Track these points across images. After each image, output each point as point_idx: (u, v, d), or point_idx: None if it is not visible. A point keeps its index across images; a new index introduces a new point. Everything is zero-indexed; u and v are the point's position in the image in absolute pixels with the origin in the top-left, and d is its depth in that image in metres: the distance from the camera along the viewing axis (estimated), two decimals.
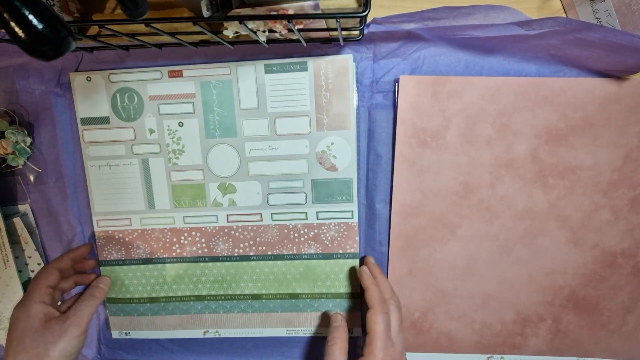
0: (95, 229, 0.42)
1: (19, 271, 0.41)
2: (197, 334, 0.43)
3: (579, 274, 0.39)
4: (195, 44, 0.35)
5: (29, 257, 0.42)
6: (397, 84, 0.37)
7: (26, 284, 0.42)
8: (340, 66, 0.37)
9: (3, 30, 0.23)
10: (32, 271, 0.42)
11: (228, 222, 0.41)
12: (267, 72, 0.38)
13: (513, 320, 0.41)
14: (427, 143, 0.38)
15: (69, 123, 0.40)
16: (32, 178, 0.41)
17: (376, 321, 0.35)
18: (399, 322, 0.36)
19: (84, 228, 0.42)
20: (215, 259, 0.42)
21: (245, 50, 0.37)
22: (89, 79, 0.39)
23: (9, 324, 0.36)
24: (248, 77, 0.38)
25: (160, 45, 0.36)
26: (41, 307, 0.36)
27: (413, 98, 0.37)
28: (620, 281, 0.39)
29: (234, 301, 0.42)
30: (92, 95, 0.39)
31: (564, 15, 0.36)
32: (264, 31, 0.30)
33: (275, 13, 0.27)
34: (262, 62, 0.37)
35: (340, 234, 0.40)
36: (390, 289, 0.38)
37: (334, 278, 0.41)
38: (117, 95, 0.39)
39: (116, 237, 0.42)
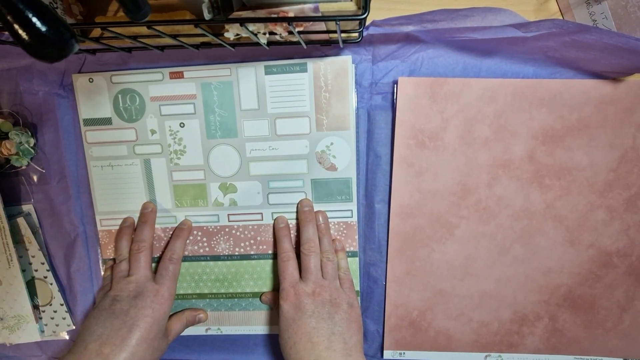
0: (99, 228, 0.42)
1: (23, 270, 0.41)
2: (199, 331, 0.44)
3: (575, 273, 0.40)
4: (196, 46, 0.35)
5: (33, 257, 0.42)
6: (395, 85, 0.38)
7: (30, 283, 0.43)
8: (340, 67, 0.37)
9: (7, 33, 0.23)
10: (36, 270, 0.43)
11: (229, 221, 0.41)
12: (267, 73, 0.38)
13: (510, 319, 0.41)
14: (425, 144, 0.38)
15: (71, 124, 0.41)
16: (35, 178, 0.41)
17: (283, 268, 0.38)
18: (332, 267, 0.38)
19: (86, 228, 0.43)
20: (216, 257, 0.42)
21: (246, 51, 0.38)
22: (91, 80, 0.39)
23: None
24: (248, 78, 0.38)
25: (162, 47, 0.36)
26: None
27: (411, 99, 0.37)
28: (616, 280, 0.39)
29: (235, 299, 0.43)
30: (94, 96, 0.40)
31: (561, 17, 0.36)
32: (264, 33, 0.30)
33: (275, 15, 0.27)
34: (263, 63, 0.38)
35: (340, 233, 0.41)
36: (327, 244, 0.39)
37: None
38: (119, 96, 0.39)
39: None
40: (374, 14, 0.35)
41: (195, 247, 0.42)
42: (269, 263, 0.42)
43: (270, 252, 0.42)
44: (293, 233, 0.41)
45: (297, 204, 0.40)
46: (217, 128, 0.39)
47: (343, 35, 0.33)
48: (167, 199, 0.41)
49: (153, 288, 0.37)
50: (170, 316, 0.40)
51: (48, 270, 0.43)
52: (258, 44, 0.32)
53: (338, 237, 0.41)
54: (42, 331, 0.44)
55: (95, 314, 0.36)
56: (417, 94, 0.37)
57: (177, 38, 0.32)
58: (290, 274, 0.38)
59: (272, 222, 0.41)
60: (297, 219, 0.41)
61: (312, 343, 0.34)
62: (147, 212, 0.41)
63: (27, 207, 0.42)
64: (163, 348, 0.38)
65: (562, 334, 0.41)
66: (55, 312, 0.43)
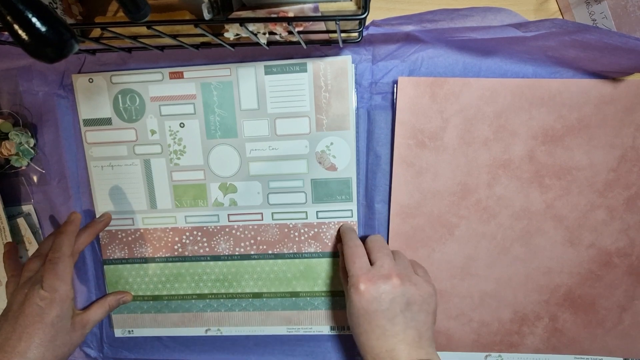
0: None
1: None
2: (198, 332, 0.44)
3: (575, 273, 0.40)
4: (196, 46, 0.35)
5: None
6: (395, 85, 0.38)
7: None
8: (340, 67, 0.37)
9: (6, 33, 0.23)
10: None
11: (229, 221, 0.41)
12: (267, 73, 0.38)
13: (510, 318, 0.41)
14: (425, 144, 0.38)
15: (71, 124, 0.41)
16: (35, 179, 0.42)
17: (351, 253, 0.36)
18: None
19: None
20: (216, 258, 0.42)
21: (246, 51, 0.38)
22: (91, 80, 0.39)
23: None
24: (248, 78, 0.38)
25: (161, 48, 0.36)
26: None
27: (411, 99, 0.37)
28: (616, 280, 0.39)
29: (235, 299, 0.43)
30: (94, 96, 0.40)
31: (561, 17, 0.36)
32: (264, 33, 0.30)
33: (275, 15, 0.27)
34: (262, 63, 0.38)
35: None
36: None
37: (334, 276, 0.42)
38: (119, 96, 0.39)
39: (119, 236, 0.42)
40: (374, 14, 0.35)
41: (195, 247, 0.42)
42: (269, 263, 0.42)
43: (270, 252, 0.42)
44: (294, 233, 0.41)
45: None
46: (217, 128, 0.39)
47: (343, 35, 0.33)
48: (167, 199, 0.41)
49: (38, 294, 0.35)
50: (91, 304, 0.40)
51: None
52: (258, 44, 0.32)
53: (337, 237, 0.41)
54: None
55: (2, 314, 0.36)
56: (417, 93, 0.37)
57: (177, 38, 0.32)
58: (360, 258, 0.35)
59: (272, 222, 0.41)
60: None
61: (386, 335, 0.32)
62: (68, 222, 0.38)
63: (27, 208, 0.42)
64: (74, 341, 0.37)
65: (562, 333, 0.41)
66: None
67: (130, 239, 0.42)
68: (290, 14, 0.27)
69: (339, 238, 0.41)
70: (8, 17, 0.18)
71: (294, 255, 0.42)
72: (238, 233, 0.42)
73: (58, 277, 0.35)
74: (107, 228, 0.42)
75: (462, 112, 0.37)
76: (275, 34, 0.30)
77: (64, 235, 0.37)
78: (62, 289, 0.35)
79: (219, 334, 0.44)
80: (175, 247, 0.42)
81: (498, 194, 0.39)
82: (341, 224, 0.40)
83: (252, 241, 0.42)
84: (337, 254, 0.41)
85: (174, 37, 0.32)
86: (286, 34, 0.30)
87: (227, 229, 0.42)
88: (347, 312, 0.35)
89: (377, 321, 0.33)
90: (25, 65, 0.39)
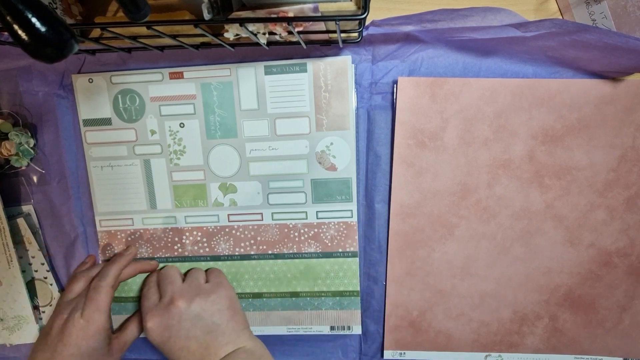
0: (98, 229, 0.42)
1: (23, 271, 0.41)
2: None
3: (575, 273, 0.40)
4: (196, 46, 0.35)
5: (33, 257, 0.42)
6: (395, 85, 0.38)
7: (30, 284, 0.43)
8: (339, 67, 0.37)
9: (6, 33, 0.23)
10: (36, 271, 0.43)
11: (229, 221, 0.41)
12: (267, 73, 0.38)
13: (510, 318, 0.41)
14: (425, 144, 0.38)
15: (71, 124, 0.41)
16: (35, 179, 0.41)
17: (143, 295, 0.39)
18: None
19: (86, 228, 0.43)
20: (216, 258, 0.42)
21: (246, 52, 0.38)
22: (91, 80, 0.39)
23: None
24: (248, 78, 0.38)
25: (161, 48, 0.36)
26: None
27: (411, 99, 0.37)
28: (616, 280, 0.39)
29: None
30: (94, 96, 0.40)
31: (560, 17, 0.36)
32: (264, 33, 0.30)
33: (275, 16, 0.28)
34: (262, 63, 0.38)
35: (340, 233, 0.41)
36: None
37: (334, 276, 0.42)
38: (119, 96, 0.39)
39: (118, 236, 0.42)
40: (374, 14, 0.35)
41: (195, 248, 0.42)
42: (269, 263, 0.42)
43: (270, 252, 0.42)
44: (294, 233, 0.41)
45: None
46: (217, 128, 0.39)
47: (343, 35, 0.33)
48: (167, 199, 0.41)
49: (79, 324, 0.36)
50: (126, 323, 0.41)
51: (48, 271, 0.43)
52: (258, 44, 0.32)
53: (338, 238, 0.41)
54: None
55: (38, 339, 0.38)
56: (416, 93, 0.37)
57: (177, 38, 0.32)
58: (148, 299, 0.38)
59: (272, 222, 0.41)
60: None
61: (192, 351, 0.35)
62: (121, 254, 0.41)
63: (27, 208, 0.42)
64: None
65: (562, 333, 0.41)
66: None
67: (130, 239, 0.42)
68: (290, 14, 0.27)
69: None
70: (8, 17, 0.18)
71: (294, 256, 0.42)
72: (238, 233, 0.42)
73: (98, 307, 0.36)
74: (106, 228, 0.42)
75: (462, 112, 0.37)
76: (275, 34, 0.30)
77: (114, 265, 0.39)
78: (101, 320, 0.36)
79: None
80: (175, 247, 0.42)
81: (498, 194, 0.39)
82: (342, 223, 0.41)
83: (252, 241, 0.42)
84: (337, 254, 0.41)
85: (174, 37, 0.32)
86: (286, 34, 0.30)
87: (227, 229, 0.42)
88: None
89: (177, 346, 0.35)
90: (25, 65, 0.39)
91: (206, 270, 0.41)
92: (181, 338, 0.35)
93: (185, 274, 0.41)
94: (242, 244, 0.42)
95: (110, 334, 0.38)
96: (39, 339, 0.38)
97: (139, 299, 0.42)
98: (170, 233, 0.42)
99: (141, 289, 0.41)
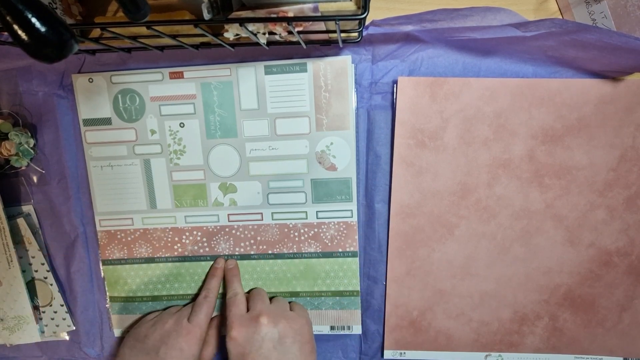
0: (98, 228, 0.42)
1: (23, 271, 0.41)
2: None
3: (575, 273, 0.40)
4: (196, 46, 0.35)
5: (33, 257, 0.42)
6: (395, 85, 0.38)
7: (30, 284, 0.43)
8: (339, 67, 0.37)
9: (6, 33, 0.23)
10: (36, 271, 0.43)
11: (229, 221, 0.41)
12: (267, 73, 0.38)
13: (510, 318, 0.41)
14: (425, 144, 0.38)
15: (71, 124, 0.41)
16: (35, 179, 0.41)
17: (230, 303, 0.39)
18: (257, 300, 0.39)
19: (86, 228, 0.43)
20: (216, 258, 0.42)
21: (246, 52, 0.38)
22: (91, 80, 0.39)
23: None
24: (248, 78, 0.38)
25: (161, 48, 0.36)
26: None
27: (411, 99, 0.37)
28: (616, 279, 0.39)
29: None
30: (94, 96, 0.40)
31: (560, 16, 0.36)
32: (264, 33, 0.30)
33: (275, 15, 0.28)
34: (262, 63, 0.38)
35: (340, 233, 0.41)
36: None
37: (334, 276, 0.42)
38: (119, 96, 0.39)
39: (118, 236, 0.42)
40: (374, 14, 0.35)
41: (195, 247, 0.42)
42: (269, 263, 0.42)
43: (270, 252, 0.42)
44: (294, 233, 0.41)
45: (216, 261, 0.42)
46: (217, 128, 0.39)
47: (343, 35, 0.33)
48: (166, 199, 0.41)
49: (186, 327, 0.37)
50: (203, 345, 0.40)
51: (48, 271, 0.43)
52: (258, 44, 0.32)
53: (338, 238, 0.41)
54: (42, 332, 0.44)
55: (131, 343, 0.38)
56: (416, 93, 0.37)
57: (177, 38, 0.32)
58: (237, 307, 0.38)
59: (272, 222, 0.41)
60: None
61: None
62: (218, 268, 0.42)
63: (27, 208, 0.42)
64: None
65: (562, 333, 0.41)
66: (55, 312, 0.43)
67: (129, 239, 0.42)
68: (290, 14, 0.27)
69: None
70: (8, 17, 0.18)
71: (294, 255, 0.42)
72: (238, 233, 0.42)
73: (204, 312, 0.38)
74: (106, 228, 0.42)
75: (462, 112, 0.37)
76: (275, 34, 0.30)
77: (216, 278, 0.41)
78: (205, 327, 0.38)
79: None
80: (175, 247, 0.42)
81: (498, 194, 0.39)
82: (342, 222, 0.41)
83: (252, 241, 0.42)
84: (337, 254, 0.41)
85: (174, 37, 0.32)
86: (286, 34, 0.30)
87: (227, 229, 0.42)
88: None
89: None
90: (25, 65, 0.39)
91: (289, 302, 0.41)
92: (259, 357, 0.34)
93: (271, 299, 0.41)
94: (242, 244, 0.42)
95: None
96: (131, 342, 0.38)
97: (221, 307, 0.42)
98: (170, 233, 0.42)
99: (223, 295, 0.41)
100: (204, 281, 0.42)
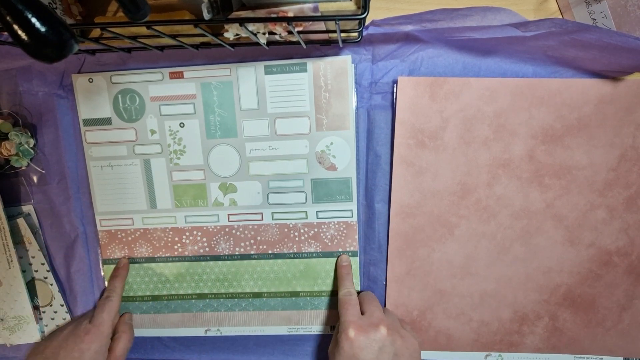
0: (98, 228, 0.42)
1: (23, 271, 0.41)
2: (198, 332, 0.44)
3: (575, 273, 0.40)
4: (196, 46, 0.35)
5: (33, 257, 0.42)
6: (395, 85, 0.38)
7: (30, 284, 0.43)
8: (339, 67, 0.37)
9: (6, 33, 0.23)
10: (36, 271, 0.43)
11: (229, 221, 0.41)
12: (267, 73, 0.38)
13: (510, 318, 0.41)
14: (425, 144, 0.38)
15: (71, 124, 0.41)
16: (35, 179, 0.41)
17: (344, 301, 0.38)
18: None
19: (86, 228, 0.43)
20: (216, 257, 0.42)
21: (246, 51, 0.38)
22: (91, 80, 0.39)
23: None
24: (248, 78, 0.38)
25: (161, 48, 0.36)
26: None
27: (411, 99, 0.37)
28: (616, 279, 0.39)
29: (235, 299, 0.43)
30: (94, 96, 0.40)
31: (560, 16, 0.36)
32: (264, 33, 0.30)
33: (275, 15, 0.28)
34: (262, 63, 0.38)
35: (340, 233, 0.41)
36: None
37: (334, 276, 0.42)
38: (119, 96, 0.39)
39: (119, 236, 0.42)
40: (374, 14, 0.35)
41: (195, 247, 0.42)
42: (269, 263, 0.42)
43: (270, 252, 0.42)
44: (294, 233, 0.41)
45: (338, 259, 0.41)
46: (217, 128, 0.39)
47: (343, 35, 0.33)
48: (166, 199, 0.41)
49: (85, 328, 0.37)
50: (113, 338, 0.40)
51: (48, 271, 0.43)
52: (258, 44, 0.32)
53: (338, 237, 0.41)
54: (43, 332, 0.44)
55: (35, 346, 0.38)
56: (416, 93, 0.37)
57: (177, 38, 0.32)
58: (353, 307, 0.37)
59: (272, 222, 0.41)
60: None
61: None
62: (119, 268, 0.42)
63: (27, 208, 0.42)
64: None
65: (562, 333, 0.41)
66: (55, 312, 0.43)
67: (130, 239, 0.42)
68: (290, 14, 0.27)
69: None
70: (8, 17, 0.18)
71: (294, 255, 0.42)
72: (238, 233, 0.42)
73: (105, 311, 0.39)
74: (106, 228, 0.42)
75: (462, 111, 0.37)
76: (275, 34, 0.30)
77: (118, 277, 0.41)
78: (107, 325, 0.38)
79: (218, 334, 0.44)
80: (175, 247, 0.42)
81: (498, 194, 0.39)
82: (342, 257, 0.41)
83: (252, 241, 0.42)
84: (337, 253, 0.41)
85: (174, 37, 0.32)
86: (286, 34, 0.30)
87: (227, 229, 0.42)
88: (333, 358, 0.35)
89: None
90: (25, 65, 0.39)
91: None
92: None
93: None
94: (242, 244, 0.42)
95: (107, 350, 0.38)
96: (34, 350, 0.38)
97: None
98: (170, 233, 0.42)
99: (338, 291, 0.40)
100: (108, 282, 0.42)
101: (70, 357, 0.35)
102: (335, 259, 0.41)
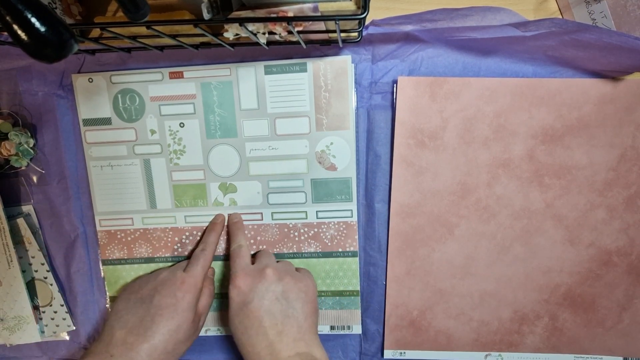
0: (98, 228, 0.42)
1: (23, 271, 0.41)
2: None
3: (575, 272, 0.40)
4: (196, 46, 0.35)
5: (33, 257, 0.42)
6: (395, 85, 0.38)
7: (30, 284, 0.43)
8: (339, 67, 0.37)
9: (6, 33, 0.23)
10: (36, 271, 0.43)
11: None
12: (267, 73, 0.38)
13: (510, 318, 0.41)
14: (425, 144, 0.38)
15: (71, 124, 0.41)
16: (35, 179, 0.41)
17: (235, 255, 0.38)
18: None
19: (86, 228, 0.43)
20: (216, 257, 0.42)
21: (246, 51, 0.38)
22: (91, 80, 0.39)
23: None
24: (248, 78, 0.38)
25: (161, 48, 0.36)
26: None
27: (411, 99, 0.37)
28: (616, 279, 0.39)
29: None
30: (94, 96, 0.40)
31: (560, 16, 0.36)
32: (264, 33, 0.30)
33: (275, 15, 0.28)
34: (262, 63, 0.38)
35: (340, 233, 0.41)
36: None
37: (334, 276, 0.42)
38: (119, 96, 0.39)
39: (118, 236, 0.42)
40: (373, 14, 0.35)
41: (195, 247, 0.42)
42: None
43: (270, 252, 0.42)
44: (294, 233, 0.41)
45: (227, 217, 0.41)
46: (217, 128, 0.39)
47: (342, 34, 0.33)
48: (166, 199, 0.41)
49: (180, 276, 0.37)
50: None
51: (48, 271, 0.43)
52: (257, 43, 0.32)
53: (338, 237, 0.41)
54: (42, 332, 0.44)
55: (125, 297, 0.37)
56: (416, 93, 0.37)
57: (177, 38, 0.32)
58: (242, 258, 0.37)
59: (272, 222, 0.41)
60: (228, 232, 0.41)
61: (264, 327, 0.33)
62: (216, 223, 0.41)
63: (27, 208, 0.42)
64: (193, 336, 0.37)
65: (562, 332, 0.41)
66: (55, 312, 0.43)
67: (129, 239, 0.42)
68: (290, 14, 0.27)
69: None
70: (7, 17, 0.18)
71: (294, 255, 0.42)
72: None
73: (200, 264, 0.38)
74: (106, 228, 0.42)
75: (462, 111, 0.37)
76: (274, 33, 0.30)
77: (214, 232, 0.40)
78: (200, 276, 0.37)
79: (218, 334, 0.44)
80: (175, 247, 0.42)
81: (498, 194, 0.39)
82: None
83: (252, 241, 0.42)
84: (337, 253, 0.41)
85: (174, 37, 0.32)
86: (286, 33, 0.30)
87: (227, 229, 0.42)
88: (229, 314, 0.36)
89: (254, 313, 0.34)
90: (25, 65, 0.39)
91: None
92: (261, 308, 0.34)
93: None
94: None
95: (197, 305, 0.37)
96: (125, 295, 0.37)
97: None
98: (170, 233, 0.42)
99: (227, 247, 0.41)
100: (202, 236, 0.41)
101: (164, 302, 0.35)
102: (336, 259, 0.41)
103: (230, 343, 0.44)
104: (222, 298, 0.43)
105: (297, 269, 0.39)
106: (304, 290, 0.36)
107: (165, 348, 0.34)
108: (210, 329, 0.44)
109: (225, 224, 0.41)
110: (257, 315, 0.34)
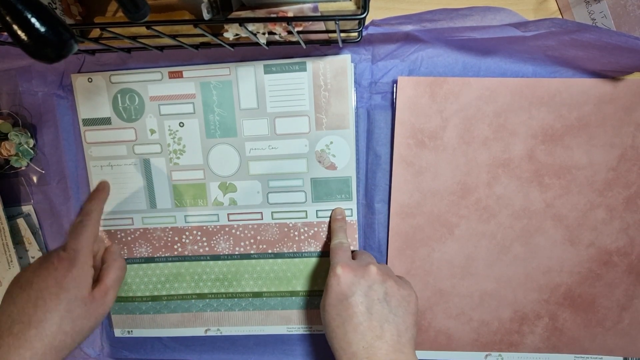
0: None
1: None
2: (198, 332, 0.44)
3: (575, 272, 0.40)
4: (195, 46, 0.35)
5: (33, 258, 0.42)
6: (395, 85, 0.38)
7: None
8: (339, 66, 0.37)
9: (6, 33, 0.23)
10: None
11: (229, 221, 0.41)
12: (266, 72, 0.38)
13: (510, 318, 0.41)
14: (425, 143, 0.38)
15: (71, 124, 0.41)
16: (35, 179, 0.42)
17: (337, 248, 0.36)
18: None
19: None
20: (216, 257, 0.42)
21: (245, 51, 0.38)
22: (90, 80, 0.39)
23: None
24: (248, 77, 0.38)
25: (161, 48, 0.36)
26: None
27: (411, 99, 0.37)
28: (616, 279, 0.40)
29: (235, 299, 0.43)
30: (93, 96, 0.40)
31: (560, 16, 0.36)
32: (263, 33, 0.30)
33: (274, 15, 0.27)
34: (262, 62, 0.38)
35: None
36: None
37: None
38: (119, 96, 0.39)
39: (118, 236, 0.42)
40: (373, 14, 0.35)
41: (195, 247, 0.42)
42: (269, 262, 0.42)
43: (270, 251, 0.42)
44: (294, 233, 0.41)
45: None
46: (217, 127, 0.39)
47: (342, 34, 0.33)
48: (166, 198, 0.41)
49: (56, 255, 0.33)
50: (102, 270, 0.36)
51: None
52: (257, 43, 0.32)
53: None
54: None
55: (8, 290, 0.33)
56: (416, 93, 0.37)
57: (176, 38, 0.32)
58: (344, 252, 0.35)
59: (272, 221, 0.41)
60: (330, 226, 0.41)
61: (363, 327, 0.31)
62: (97, 190, 0.37)
63: (27, 208, 0.42)
64: (96, 313, 0.34)
65: (562, 332, 0.41)
66: None
67: (129, 238, 0.42)
68: (290, 14, 0.27)
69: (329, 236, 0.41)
70: (7, 18, 0.18)
71: (294, 255, 0.42)
72: (238, 232, 0.42)
73: (77, 237, 0.33)
74: (106, 228, 0.42)
75: (462, 111, 0.37)
76: (274, 33, 0.30)
77: (94, 201, 0.36)
78: (84, 252, 0.33)
79: (218, 334, 0.44)
80: (175, 246, 0.42)
81: (498, 194, 0.39)
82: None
83: (252, 240, 0.42)
84: None
85: (174, 37, 0.32)
86: (285, 33, 0.30)
87: (226, 229, 0.42)
88: (323, 304, 0.34)
89: (354, 308, 0.31)
90: (25, 65, 0.39)
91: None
92: (362, 304, 0.31)
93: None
94: (242, 243, 0.42)
95: (91, 280, 0.34)
96: (9, 288, 0.33)
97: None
98: (170, 232, 0.42)
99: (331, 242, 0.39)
100: (82, 205, 0.36)
101: (44, 284, 0.32)
102: None
103: (230, 343, 0.44)
104: (220, 298, 0.43)
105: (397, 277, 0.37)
106: (406, 299, 0.33)
107: (59, 329, 0.31)
108: (210, 329, 0.44)
109: (109, 192, 0.37)
110: (357, 312, 0.31)
